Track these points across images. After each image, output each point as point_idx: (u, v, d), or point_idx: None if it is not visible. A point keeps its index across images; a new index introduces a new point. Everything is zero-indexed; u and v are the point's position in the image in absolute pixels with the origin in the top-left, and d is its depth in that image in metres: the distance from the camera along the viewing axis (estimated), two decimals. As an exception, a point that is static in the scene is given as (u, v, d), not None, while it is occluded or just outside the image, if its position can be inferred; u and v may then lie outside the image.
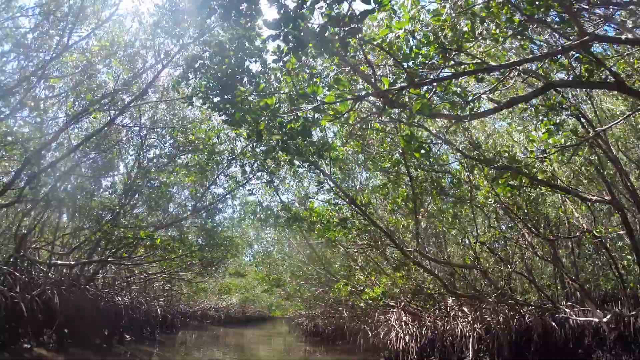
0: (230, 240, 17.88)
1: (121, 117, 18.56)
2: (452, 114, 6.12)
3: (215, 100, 9.98)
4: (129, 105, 12.51)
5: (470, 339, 14.20)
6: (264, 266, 25.60)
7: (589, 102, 10.79)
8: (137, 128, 17.87)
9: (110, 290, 18.88)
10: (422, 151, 12.47)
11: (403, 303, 16.46)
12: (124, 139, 17.52)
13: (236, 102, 9.83)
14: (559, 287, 14.85)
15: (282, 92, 7.59)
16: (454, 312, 16.64)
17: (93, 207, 17.89)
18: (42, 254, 18.28)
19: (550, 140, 7.69)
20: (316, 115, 6.16)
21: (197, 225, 18.60)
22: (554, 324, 13.80)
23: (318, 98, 5.64)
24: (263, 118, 6.28)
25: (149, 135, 18.38)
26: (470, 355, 14.13)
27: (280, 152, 8.65)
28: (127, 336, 18.73)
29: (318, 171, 11.40)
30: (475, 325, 14.80)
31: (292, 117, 6.24)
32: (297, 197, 18.49)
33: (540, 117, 8.05)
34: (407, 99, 6.26)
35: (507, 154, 9.04)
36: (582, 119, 9.43)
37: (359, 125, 13.60)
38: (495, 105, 6.64)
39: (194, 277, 25.94)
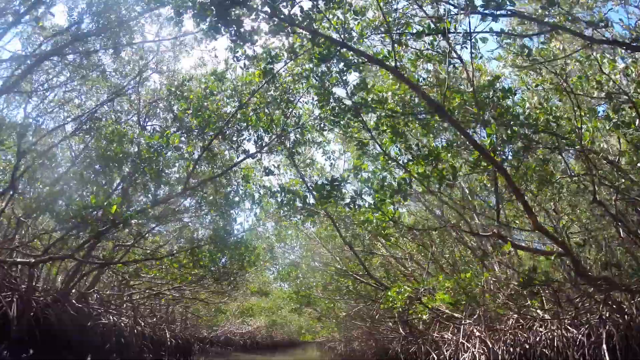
0: (246, 245, 14.16)
1: (117, 103, 15.64)
2: None
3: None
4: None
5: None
6: (291, 280, 21.66)
7: None
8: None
9: (101, 307, 15.24)
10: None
11: (478, 311, 12.38)
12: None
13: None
14: None
15: None
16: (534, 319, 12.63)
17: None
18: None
19: None
20: None
21: (207, 227, 14.96)
22: None
23: None
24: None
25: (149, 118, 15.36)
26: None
27: None
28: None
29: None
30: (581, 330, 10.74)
31: None
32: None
33: None
34: None
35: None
36: None
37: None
38: None
39: (208, 296, 22.17)
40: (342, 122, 10.18)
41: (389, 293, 10.24)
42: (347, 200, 7.98)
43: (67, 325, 13.00)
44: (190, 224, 14.57)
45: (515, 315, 12.96)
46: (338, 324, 26.48)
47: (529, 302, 11.29)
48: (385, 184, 7.69)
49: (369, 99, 8.82)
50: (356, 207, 7.81)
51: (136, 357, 15.56)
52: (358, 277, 15.82)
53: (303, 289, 21.73)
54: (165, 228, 18.34)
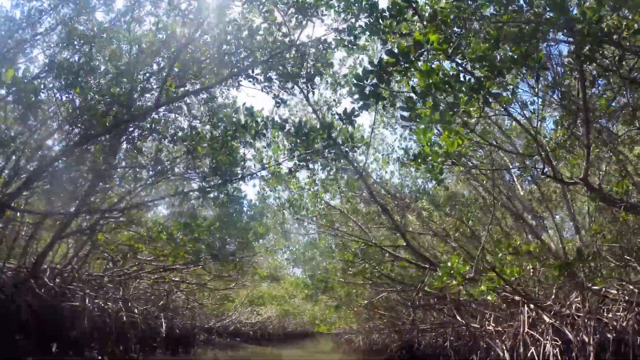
0: (252, 210, 11.39)
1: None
2: None
3: None
4: None
5: None
6: (306, 261, 18.79)
7: None
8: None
9: (78, 287, 12.52)
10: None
11: (557, 289, 9.46)
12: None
13: None
14: None
15: None
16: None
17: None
18: None
19: None
20: None
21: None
22: None
23: None
24: None
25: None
26: None
27: None
28: (98, 355, 12.28)
29: None
30: None
31: None
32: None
33: None
34: None
35: None
36: None
37: None
38: None
39: (212, 280, 19.36)
40: (380, 28, 7.34)
41: (445, 267, 7.41)
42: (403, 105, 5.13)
43: (27, 306, 10.37)
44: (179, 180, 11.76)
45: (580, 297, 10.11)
46: (357, 314, 23.69)
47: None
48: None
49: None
50: (415, 114, 4.98)
51: (115, 346, 12.83)
52: (392, 253, 12.92)
53: (319, 273, 18.95)
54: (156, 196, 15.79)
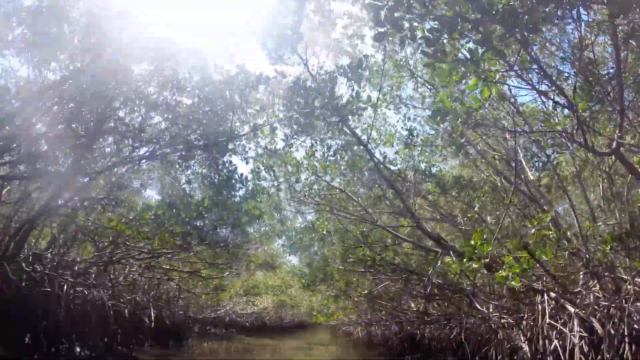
0: (244, 183, 10.34)
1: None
2: None
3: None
4: None
5: None
6: (304, 247, 17.73)
7: None
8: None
9: (55, 274, 11.42)
10: None
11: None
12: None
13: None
14: None
15: None
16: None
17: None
18: None
19: None
20: None
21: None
22: None
23: None
24: None
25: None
26: None
27: None
28: (77, 347, 11.27)
29: None
30: None
31: None
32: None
33: None
34: None
35: None
36: None
37: None
38: None
39: (203, 267, 18.30)
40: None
41: (469, 245, 6.43)
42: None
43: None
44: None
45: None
46: (357, 304, 22.74)
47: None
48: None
49: None
50: (440, 48, 3.97)
51: (99, 338, 11.82)
52: (398, 235, 11.95)
53: (317, 260, 17.97)
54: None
